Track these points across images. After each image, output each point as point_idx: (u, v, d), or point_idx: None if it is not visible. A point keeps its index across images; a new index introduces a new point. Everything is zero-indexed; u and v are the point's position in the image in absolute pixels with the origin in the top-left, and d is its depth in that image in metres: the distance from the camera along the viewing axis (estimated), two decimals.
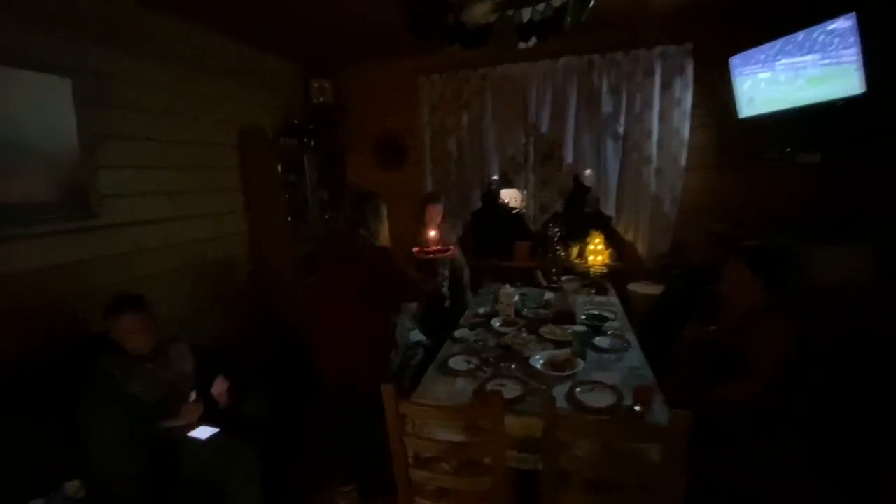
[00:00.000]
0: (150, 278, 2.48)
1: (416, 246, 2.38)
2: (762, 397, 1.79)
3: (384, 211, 2.18)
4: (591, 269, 3.14)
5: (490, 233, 4.00)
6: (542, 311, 2.55)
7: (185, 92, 2.74)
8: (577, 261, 3.61)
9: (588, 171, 3.44)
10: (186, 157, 2.76)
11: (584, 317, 2.47)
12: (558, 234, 3.37)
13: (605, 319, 2.43)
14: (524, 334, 2.23)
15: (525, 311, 2.55)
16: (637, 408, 1.52)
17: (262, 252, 3.23)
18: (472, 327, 2.43)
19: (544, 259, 3.43)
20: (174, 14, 2.59)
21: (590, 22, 1.51)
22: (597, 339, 2.18)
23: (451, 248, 2.45)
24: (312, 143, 3.55)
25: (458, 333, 2.35)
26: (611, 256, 3.57)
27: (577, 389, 1.69)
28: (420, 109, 3.64)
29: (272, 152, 3.19)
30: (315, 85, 3.78)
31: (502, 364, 1.93)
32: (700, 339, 2.21)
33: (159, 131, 2.57)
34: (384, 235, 2.17)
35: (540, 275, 3.28)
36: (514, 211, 3.95)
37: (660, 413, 1.50)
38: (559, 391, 1.69)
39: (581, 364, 1.87)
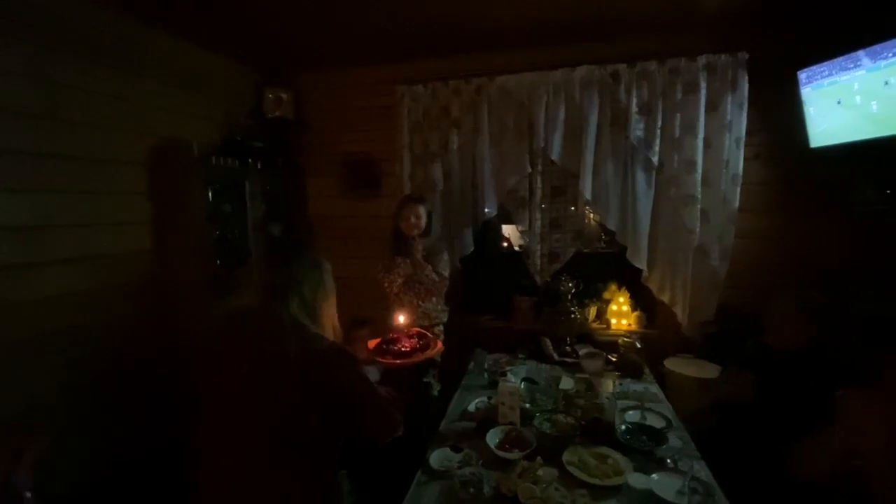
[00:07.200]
0: None
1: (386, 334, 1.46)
2: None
3: (330, 276, 1.27)
4: (621, 340, 2.34)
5: (483, 282, 3.19)
6: (560, 417, 1.72)
7: (68, 88, 1.95)
8: (595, 325, 2.81)
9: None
10: (60, 177, 1.94)
11: (624, 428, 1.65)
12: (573, 289, 2.59)
13: (657, 435, 1.62)
14: (540, 471, 1.39)
15: (537, 418, 1.72)
16: None
17: (177, 314, 2.34)
18: (456, 445, 1.59)
19: (554, 322, 2.62)
20: None
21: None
22: (656, 479, 1.37)
23: (436, 340, 1.52)
24: (259, 165, 2.77)
25: (434, 460, 1.51)
26: (639, 321, 2.78)
27: None
28: (398, 128, 2.90)
29: (197, 175, 2.39)
30: (270, 95, 3.04)
31: None
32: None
33: (11, 139, 1.76)
34: (330, 320, 1.25)
35: (548, 344, 2.49)
36: (515, 248, 3.18)
37: None
38: None
39: None
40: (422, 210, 2.33)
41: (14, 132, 1.77)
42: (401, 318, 1.55)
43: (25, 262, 1.80)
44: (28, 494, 1.24)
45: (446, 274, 2.40)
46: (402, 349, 1.43)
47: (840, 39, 2.09)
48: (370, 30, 2.45)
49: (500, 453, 1.51)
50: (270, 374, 1.08)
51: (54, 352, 1.88)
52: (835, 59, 2.11)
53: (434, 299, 2.39)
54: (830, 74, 2.15)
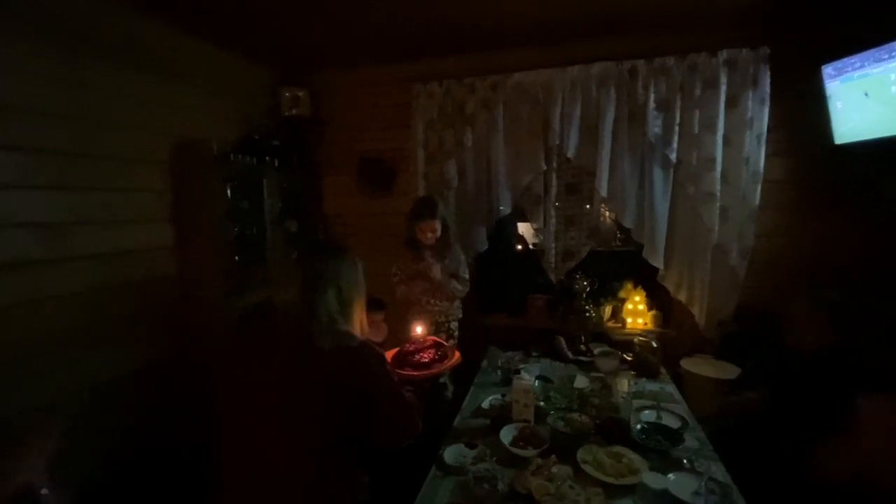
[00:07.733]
0: None
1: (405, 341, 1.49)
2: None
3: (362, 275, 1.26)
4: (636, 339, 2.32)
5: (497, 280, 3.19)
6: (575, 415, 1.72)
7: (93, 89, 2.00)
8: (610, 324, 2.79)
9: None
10: (84, 176, 1.99)
11: (639, 427, 1.64)
12: (587, 288, 2.57)
13: (673, 435, 1.60)
14: (555, 469, 1.39)
15: (551, 416, 1.71)
16: None
17: (196, 310, 2.39)
18: (470, 441, 1.60)
19: (568, 320, 2.61)
20: None
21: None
22: (672, 479, 1.35)
23: (453, 350, 1.53)
24: (277, 162, 2.81)
25: (448, 455, 1.52)
26: (655, 320, 2.75)
27: None
28: (413, 125, 2.91)
29: (216, 173, 2.43)
30: (286, 94, 3.07)
31: None
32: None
33: (39, 138, 1.82)
34: (360, 321, 1.24)
35: (563, 343, 2.47)
36: (530, 246, 3.18)
37: None
38: None
39: None
40: (437, 225, 2.29)
41: (42, 132, 1.82)
42: (418, 329, 1.55)
43: (51, 258, 1.85)
44: (45, 491, 1.23)
45: (467, 277, 2.38)
46: (422, 360, 1.44)
47: (869, 31, 2.03)
48: (372, 30, 2.44)
49: (515, 450, 1.51)
50: (299, 368, 1.08)
51: (77, 346, 1.93)
52: (868, 51, 2.04)
53: None
54: (863, 66, 2.08)
